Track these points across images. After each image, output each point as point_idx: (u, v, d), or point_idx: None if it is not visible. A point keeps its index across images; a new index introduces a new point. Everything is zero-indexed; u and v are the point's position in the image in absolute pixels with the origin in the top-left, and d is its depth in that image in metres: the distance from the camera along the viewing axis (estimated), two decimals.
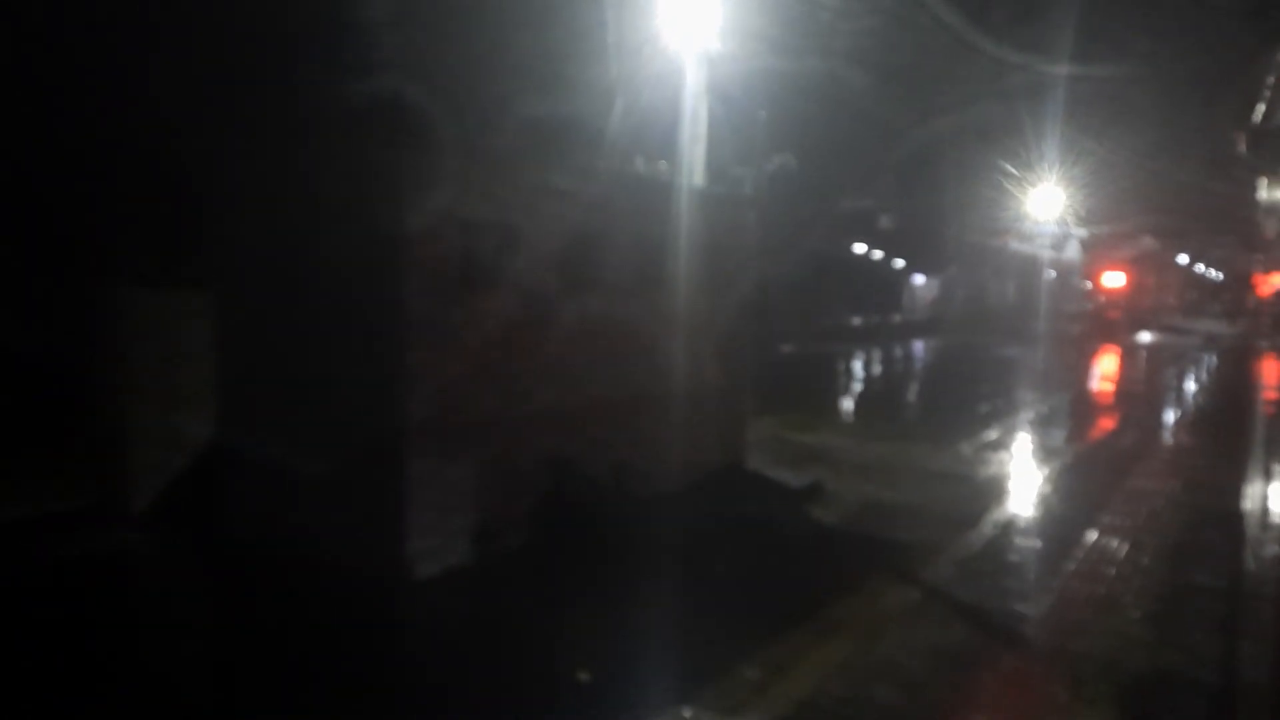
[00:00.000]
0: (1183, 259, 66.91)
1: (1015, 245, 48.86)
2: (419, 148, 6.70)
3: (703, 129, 10.03)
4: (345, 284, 6.92)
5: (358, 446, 6.84)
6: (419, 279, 6.69)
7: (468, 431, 7.11)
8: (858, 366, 27.41)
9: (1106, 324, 43.52)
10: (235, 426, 7.73)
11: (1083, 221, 43.93)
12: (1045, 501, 10.14)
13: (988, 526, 8.90)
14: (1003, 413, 16.88)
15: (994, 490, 10.55)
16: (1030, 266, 53.91)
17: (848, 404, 19.32)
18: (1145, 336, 45.00)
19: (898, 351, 33.03)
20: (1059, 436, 14.64)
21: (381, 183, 6.64)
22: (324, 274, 7.04)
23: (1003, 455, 12.67)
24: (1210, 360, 31.83)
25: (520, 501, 7.61)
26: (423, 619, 6.35)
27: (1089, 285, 53.88)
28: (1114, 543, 8.42)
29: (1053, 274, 45.10)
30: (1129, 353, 35.06)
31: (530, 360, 7.70)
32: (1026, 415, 16.76)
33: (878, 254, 56.07)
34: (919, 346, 35.50)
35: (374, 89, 7.26)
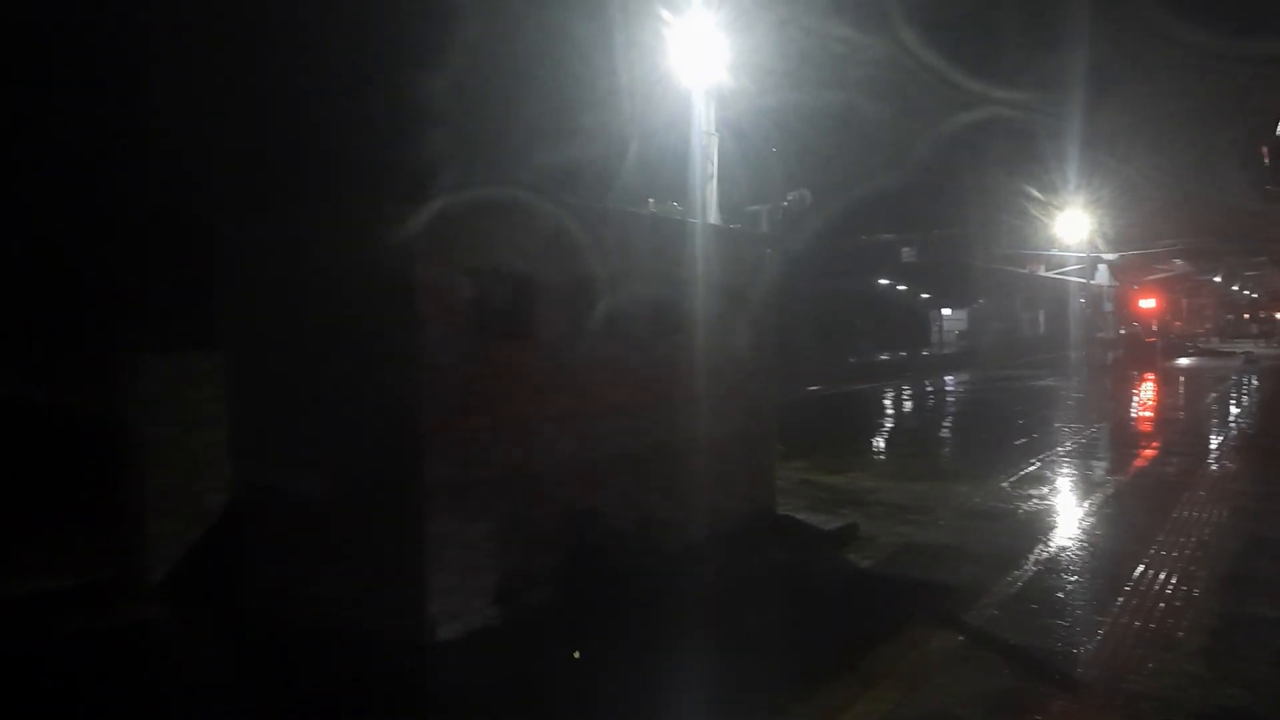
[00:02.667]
0: (1216, 280, 66.07)
1: (1044, 273, 48.43)
2: (431, 197, 6.63)
3: (714, 167, 9.94)
4: (360, 340, 6.82)
5: (376, 506, 6.70)
6: (434, 331, 6.58)
7: (488, 487, 6.95)
8: (887, 404, 27.06)
9: (1142, 349, 42.82)
10: (252, 491, 7.61)
11: (1112, 246, 43.50)
12: (1090, 536, 9.81)
13: (1031, 565, 8.59)
14: (1041, 446, 16.50)
15: (1036, 526, 10.22)
16: (1061, 294, 53.38)
17: (879, 443, 19.01)
18: (1182, 360, 44.25)
19: (928, 387, 32.62)
20: (1100, 468, 14.25)
21: (394, 234, 6.56)
22: (338, 331, 6.96)
23: (1043, 490, 12.32)
24: (1251, 382, 31.18)
25: (543, 558, 7.41)
26: (446, 684, 6.14)
27: (1122, 310, 53.23)
28: (1163, 575, 8.10)
29: (1084, 300, 44.55)
30: (1167, 378, 34.44)
31: (550, 411, 7.55)
32: (1065, 447, 16.37)
33: (903, 288, 55.82)
34: (950, 381, 35.06)
35: (385, 140, 7.25)
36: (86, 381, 7.39)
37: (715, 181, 10.00)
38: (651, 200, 9.24)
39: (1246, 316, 79.11)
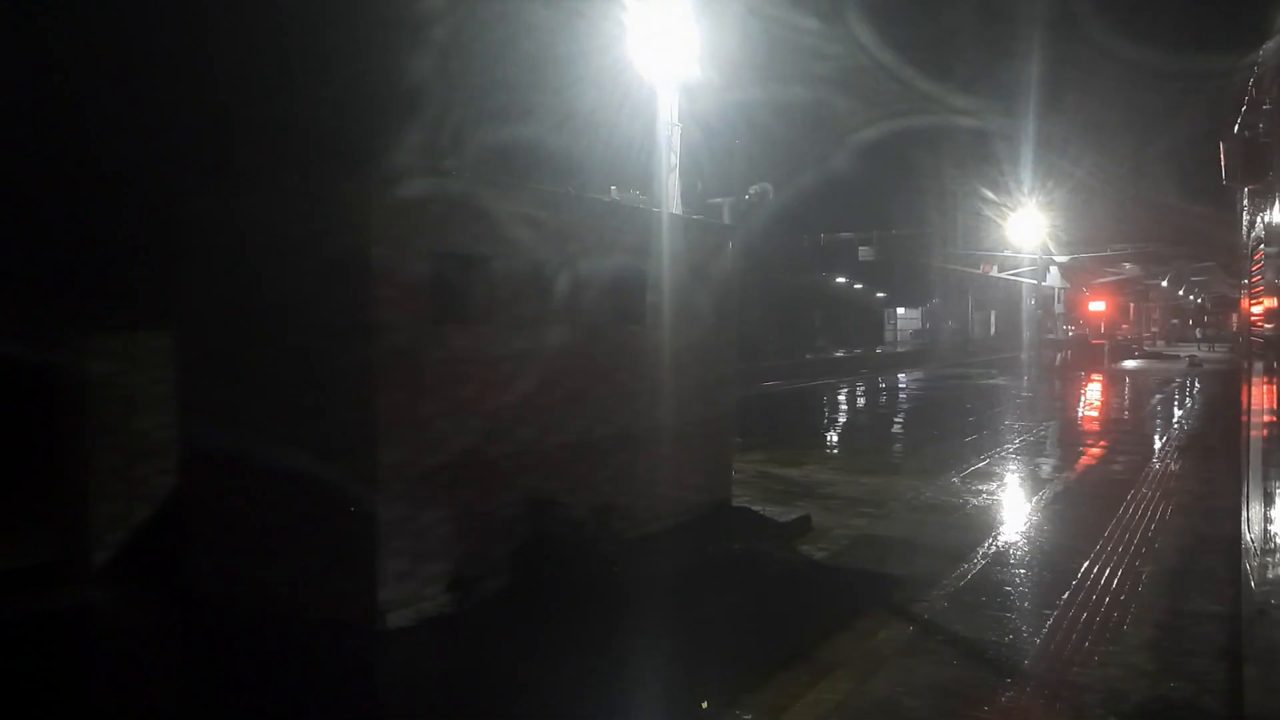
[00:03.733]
0: (1163, 284, 67.46)
1: (997, 274, 49.14)
2: (389, 178, 6.54)
3: (677, 158, 9.92)
4: (315, 321, 6.71)
5: (327, 491, 6.59)
6: (389, 314, 6.49)
7: (442, 473, 6.88)
8: (842, 399, 27.29)
9: (1090, 351, 43.65)
10: (200, 475, 7.46)
11: (1064, 248, 44.24)
12: (1038, 530, 9.96)
13: (980, 558, 8.70)
14: (990, 443, 16.74)
15: (985, 521, 10.36)
16: (1013, 295, 54.18)
17: (834, 437, 19.17)
18: (1129, 363, 45.14)
19: (882, 384, 32.96)
20: (1048, 465, 14.49)
21: (350, 214, 6.47)
22: (293, 312, 6.84)
23: (992, 485, 12.49)
24: (1195, 385, 31.88)
25: (499, 546, 7.36)
26: (395, 673, 6.07)
27: (1072, 312, 54.22)
28: (1109, 570, 8.24)
29: (1034, 302, 45.26)
30: (1114, 379, 35.11)
31: (508, 397, 7.49)
32: (1014, 445, 16.62)
33: (859, 286, 56.37)
34: (903, 378, 35.45)
35: (343, 119, 7.13)
36: (30, 360, 7.19)
37: (678, 172, 9.99)
38: (614, 188, 9.21)
39: (1190, 322, 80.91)
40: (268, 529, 6.96)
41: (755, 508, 10.27)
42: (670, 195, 9.86)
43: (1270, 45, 3.37)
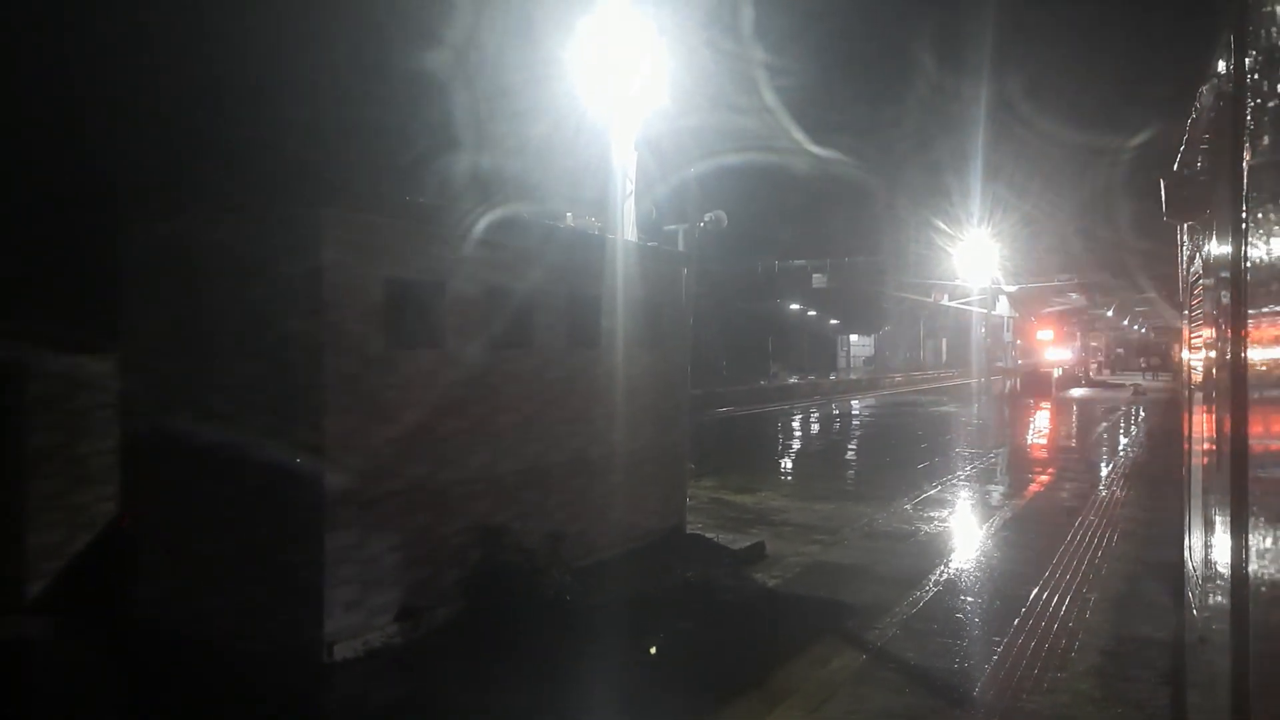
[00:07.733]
0: (1109, 314, 68.85)
1: (948, 302, 49.89)
2: (340, 202, 6.48)
3: (633, 185, 9.97)
4: (263, 346, 6.61)
5: (273, 520, 6.47)
6: (341, 339, 6.42)
7: (393, 500, 6.79)
8: (796, 426, 27.46)
9: (1039, 378, 44.46)
10: (142, 502, 7.29)
11: (1013, 278, 45.06)
12: (987, 558, 10.05)
13: (932, 585, 8.76)
14: (942, 469, 16.91)
15: (937, 548, 10.44)
16: (963, 323, 55.01)
17: (788, 464, 19.25)
18: (1076, 391, 45.97)
19: (835, 410, 33.22)
20: (998, 492, 14.66)
21: (304, 239, 6.40)
22: (238, 336, 6.74)
23: (944, 512, 12.60)
24: (1139, 413, 32.51)
25: (450, 574, 7.27)
26: (339, 708, 5.95)
27: (1020, 341, 55.14)
28: (1057, 597, 8.33)
29: (984, 330, 45.98)
30: (1061, 407, 35.70)
31: (461, 423, 7.43)
32: (965, 471, 16.80)
33: (813, 313, 56.89)
34: (856, 404, 35.77)
35: (295, 145, 7.06)
36: None
37: (634, 199, 10.03)
38: (570, 214, 9.23)
39: (1135, 352, 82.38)
40: (212, 557, 6.81)
41: (709, 535, 10.26)
42: (626, 221, 9.90)
43: (1206, 89, 3.47)
